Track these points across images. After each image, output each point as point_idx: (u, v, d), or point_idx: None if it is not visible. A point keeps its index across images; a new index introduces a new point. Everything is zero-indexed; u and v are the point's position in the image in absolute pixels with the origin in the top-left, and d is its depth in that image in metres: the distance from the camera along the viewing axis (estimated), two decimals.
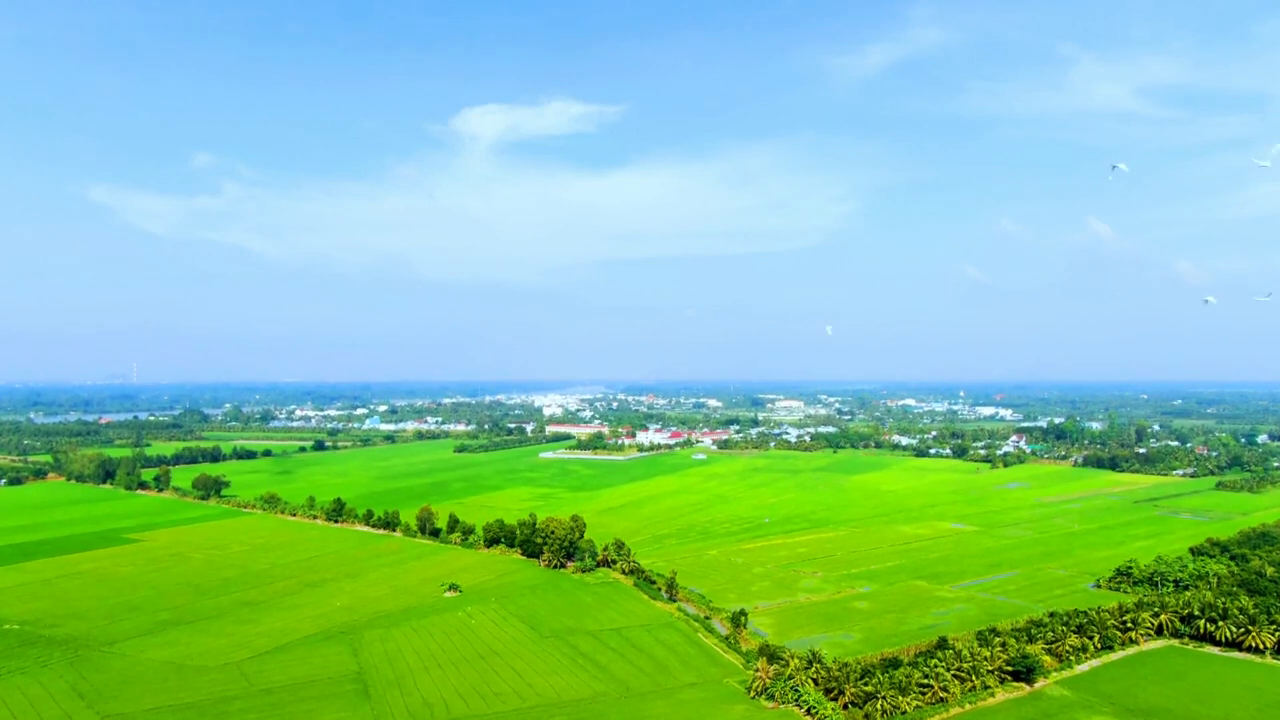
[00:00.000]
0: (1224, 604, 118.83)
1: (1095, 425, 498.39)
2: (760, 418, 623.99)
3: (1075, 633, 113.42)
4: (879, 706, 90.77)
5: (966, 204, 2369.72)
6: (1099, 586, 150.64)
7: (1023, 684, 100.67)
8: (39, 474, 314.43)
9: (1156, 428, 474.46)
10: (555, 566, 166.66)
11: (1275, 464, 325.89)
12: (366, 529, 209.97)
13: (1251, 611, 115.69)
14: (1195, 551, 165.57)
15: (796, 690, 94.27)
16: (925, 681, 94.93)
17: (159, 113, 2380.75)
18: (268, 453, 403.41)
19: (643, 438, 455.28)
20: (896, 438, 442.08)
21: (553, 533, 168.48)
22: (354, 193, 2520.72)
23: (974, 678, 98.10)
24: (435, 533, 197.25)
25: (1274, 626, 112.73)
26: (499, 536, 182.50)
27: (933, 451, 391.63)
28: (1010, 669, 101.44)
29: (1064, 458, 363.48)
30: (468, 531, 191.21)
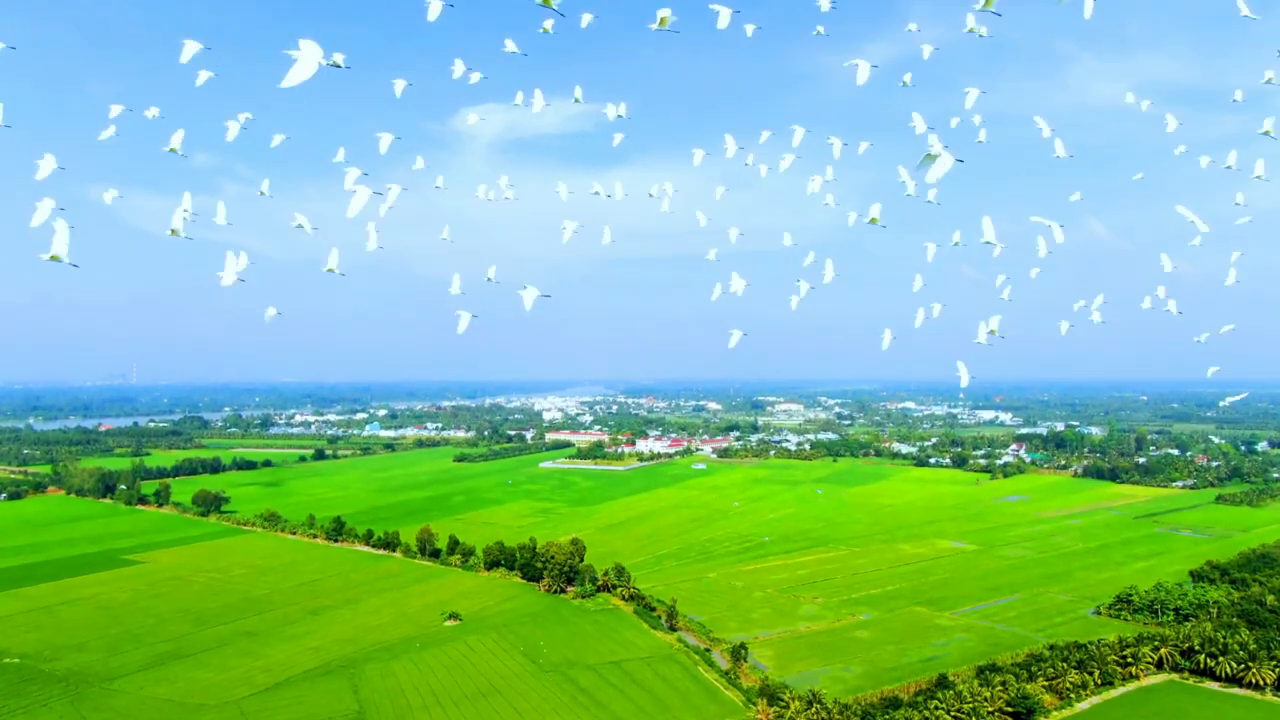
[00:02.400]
0: (1224, 638, 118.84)
1: (1095, 431, 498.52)
2: (760, 423, 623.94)
3: (1075, 668, 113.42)
4: None
5: (965, 203, 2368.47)
6: (1099, 614, 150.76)
7: None
8: (39, 487, 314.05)
9: (1156, 435, 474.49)
10: (555, 591, 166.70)
11: (1275, 474, 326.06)
12: (367, 549, 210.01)
13: (1251, 647, 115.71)
14: (1195, 576, 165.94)
15: None
16: None
17: (158, 113, 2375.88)
18: (268, 463, 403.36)
19: (642, 446, 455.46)
20: (897, 446, 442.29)
21: (553, 557, 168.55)
22: (353, 192, 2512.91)
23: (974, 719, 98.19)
24: (435, 554, 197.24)
25: (1274, 662, 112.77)
26: (499, 560, 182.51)
27: (932, 461, 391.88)
28: (1010, 710, 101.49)
29: (1064, 467, 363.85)
30: (468, 553, 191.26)
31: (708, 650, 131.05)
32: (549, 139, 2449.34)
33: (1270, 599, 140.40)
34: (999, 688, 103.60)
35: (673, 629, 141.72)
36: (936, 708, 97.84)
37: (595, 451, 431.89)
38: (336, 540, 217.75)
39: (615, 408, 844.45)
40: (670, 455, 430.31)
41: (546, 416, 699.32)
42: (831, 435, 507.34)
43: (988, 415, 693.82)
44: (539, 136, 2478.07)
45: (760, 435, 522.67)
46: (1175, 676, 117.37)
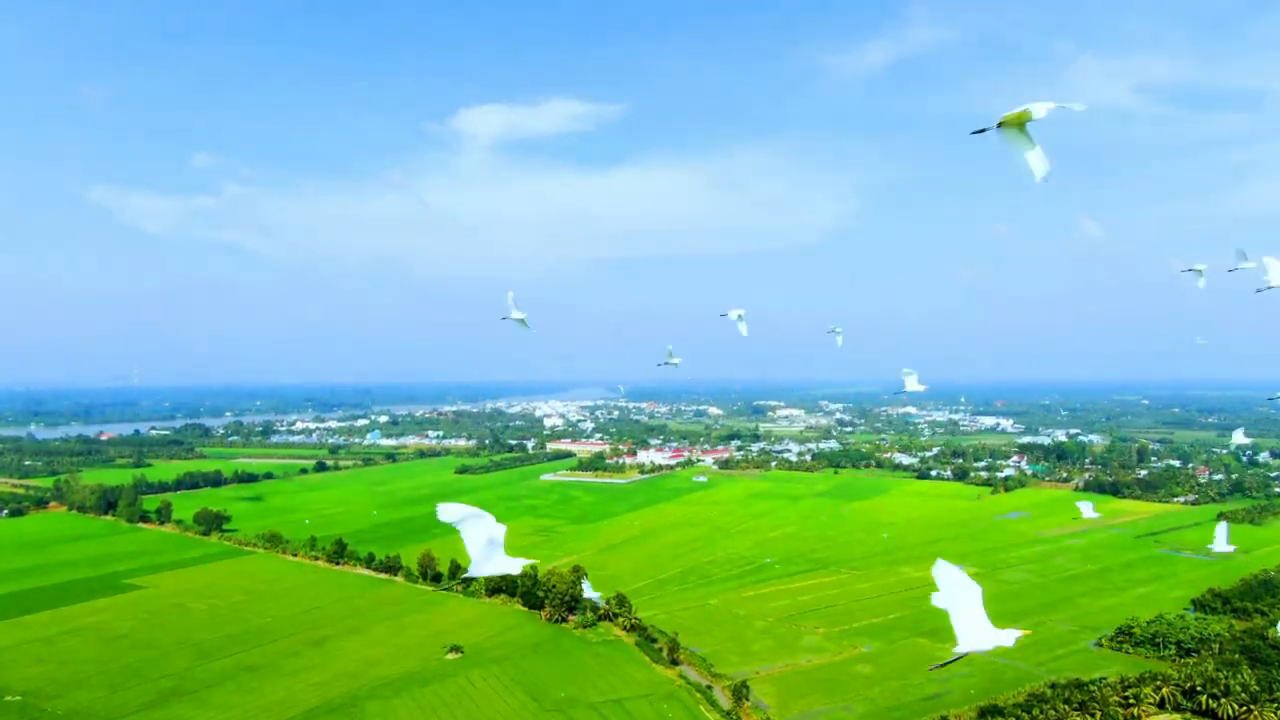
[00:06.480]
0: (1225, 678, 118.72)
1: (1096, 440, 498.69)
2: (761, 430, 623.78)
3: (1077, 710, 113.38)
4: None
5: (964, 202, 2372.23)
6: (1100, 645, 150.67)
7: None
8: (40, 503, 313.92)
9: (1157, 445, 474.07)
10: (557, 620, 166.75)
11: (1277, 489, 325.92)
12: (368, 572, 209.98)
13: (1254, 688, 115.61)
14: (1197, 604, 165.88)
15: None
16: None
17: (158, 113, 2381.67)
18: (269, 474, 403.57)
19: (644, 457, 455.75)
20: (898, 456, 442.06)
21: (554, 586, 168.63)
22: (353, 193, 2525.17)
23: None
24: (437, 578, 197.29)
25: (1275, 705, 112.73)
26: (501, 586, 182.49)
27: (934, 473, 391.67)
28: None
29: (1065, 480, 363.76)
30: (469, 579, 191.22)
31: (709, 687, 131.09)
32: (549, 139, 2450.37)
33: (1272, 633, 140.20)
34: None
35: (674, 663, 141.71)
36: None
37: (596, 463, 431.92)
38: (338, 563, 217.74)
39: (616, 413, 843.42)
40: (671, 467, 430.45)
41: (548, 423, 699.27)
42: (833, 444, 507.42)
43: (989, 421, 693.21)
44: (539, 137, 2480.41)
45: (761, 444, 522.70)
46: (1178, 717, 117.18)
